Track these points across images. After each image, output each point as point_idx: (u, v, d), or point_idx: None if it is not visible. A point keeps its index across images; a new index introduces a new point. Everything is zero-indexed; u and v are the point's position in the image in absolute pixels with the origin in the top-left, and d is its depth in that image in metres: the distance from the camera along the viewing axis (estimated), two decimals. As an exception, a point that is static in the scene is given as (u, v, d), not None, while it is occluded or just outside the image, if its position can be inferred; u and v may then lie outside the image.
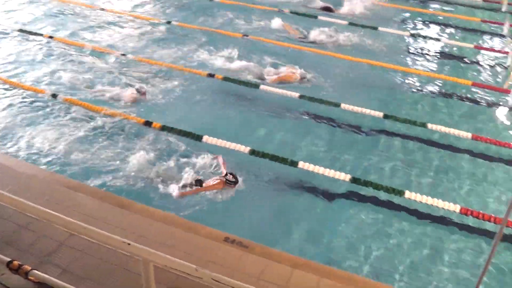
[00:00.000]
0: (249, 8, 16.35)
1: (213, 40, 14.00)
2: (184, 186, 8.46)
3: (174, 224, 7.14)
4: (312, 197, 8.73)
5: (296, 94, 11.46)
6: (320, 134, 10.47)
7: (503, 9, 16.80)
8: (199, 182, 8.47)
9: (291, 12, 16.19)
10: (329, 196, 8.75)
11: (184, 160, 9.21)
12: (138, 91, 11.07)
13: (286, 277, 6.28)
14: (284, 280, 6.25)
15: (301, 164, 9.19)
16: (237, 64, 12.61)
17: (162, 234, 6.86)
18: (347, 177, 8.97)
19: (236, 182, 8.45)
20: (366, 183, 8.87)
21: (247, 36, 14.33)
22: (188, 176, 8.65)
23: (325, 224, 8.24)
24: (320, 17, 15.92)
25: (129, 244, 4.73)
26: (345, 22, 15.59)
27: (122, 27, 14.97)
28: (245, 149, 9.51)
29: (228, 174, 8.50)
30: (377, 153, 10.01)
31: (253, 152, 9.43)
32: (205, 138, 9.76)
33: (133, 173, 8.78)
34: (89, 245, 6.24)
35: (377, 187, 8.81)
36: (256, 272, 6.30)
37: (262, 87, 11.76)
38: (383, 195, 8.74)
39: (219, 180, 8.48)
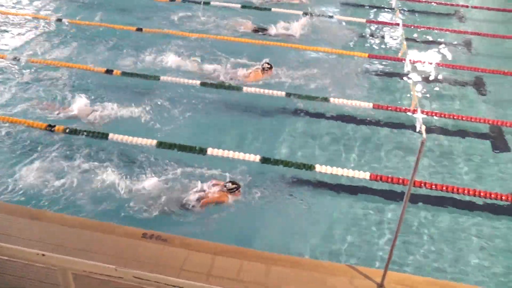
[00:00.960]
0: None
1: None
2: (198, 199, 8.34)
3: (91, 228, 7.09)
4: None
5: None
6: (225, 120, 10.74)
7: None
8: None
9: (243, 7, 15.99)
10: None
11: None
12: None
13: (208, 265, 6.47)
14: (206, 268, 6.44)
15: (209, 151, 9.38)
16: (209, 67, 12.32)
17: (80, 240, 6.80)
18: (257, 157, 9.27)
19: (239, 186, 8.47)
20: (277, 162, 9.23)
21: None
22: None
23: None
24: (273, 9, 15.96)
25: (43, 255, 4.71)
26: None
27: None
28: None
29: (227, 184, 8.44)
30: (285, 132, 10.41)
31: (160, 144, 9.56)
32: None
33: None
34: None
35: (287, 164, 9.21)
36: (177, 264, 6.44)
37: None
38: (292, 171, 9.17)
39: (219, 194, 8.35)
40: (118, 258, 6.41)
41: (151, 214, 8.04)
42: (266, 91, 11.34)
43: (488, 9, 17.17)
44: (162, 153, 9.42)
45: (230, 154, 9.29)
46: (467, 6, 17.19)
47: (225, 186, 8.43)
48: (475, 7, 17.13)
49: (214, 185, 8.52)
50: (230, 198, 8.36)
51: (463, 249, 8.04)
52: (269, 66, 11.96)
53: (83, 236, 6.89)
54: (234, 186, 8.39)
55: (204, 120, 10.66)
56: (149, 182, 8.57)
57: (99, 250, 6.60)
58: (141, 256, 6.54)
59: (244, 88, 11.39)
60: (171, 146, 9.49)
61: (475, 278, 7.56)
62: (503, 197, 8.85)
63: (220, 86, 11.54)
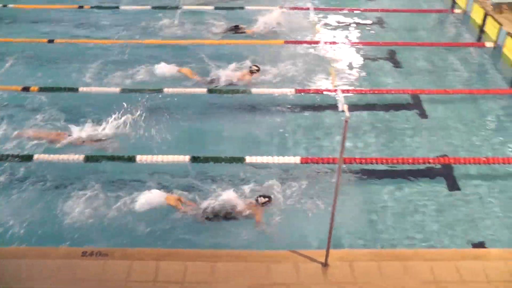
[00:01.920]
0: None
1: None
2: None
3: (26, 255, 6.94)
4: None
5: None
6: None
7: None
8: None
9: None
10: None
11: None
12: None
13: (153, 272, 6.51)
14: (151, 275, 6.47)
15: (138, 158, 9.26)
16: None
17: (17, 270, 6.65)
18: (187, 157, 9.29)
19: (270, 199, 8.37)
20: (207, 159, 9.30)
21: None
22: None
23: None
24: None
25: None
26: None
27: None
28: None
29: (258, 198, 8.36)
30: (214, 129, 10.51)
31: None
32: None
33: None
34: None
35: (217, 160, 9.30)
36: (122, 276, 6.44)
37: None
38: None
39: (253, 209, 8.27)
40: (58, 281, 6.34)
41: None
42: (188, 90, 11.38)
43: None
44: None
45: (161, 158, 9.25)
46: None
47: (257, 201, 8.35)
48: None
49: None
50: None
51: (406, 215, 8.52)
52: (257, 68, 12.05)
53: (20, 265, 6.72)
54: (266, 199, 8.34)
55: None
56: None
57: (37, 277, 6.48)
58: (83, 275, 6.49)
59: (165, 90, 11.34)
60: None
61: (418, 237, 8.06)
62: (430, 161, 9.41)
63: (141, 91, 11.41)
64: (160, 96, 11.21)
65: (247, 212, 8.21)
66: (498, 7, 15.06)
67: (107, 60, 12.73)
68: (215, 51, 13.15)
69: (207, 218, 8.11)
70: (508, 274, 6.73)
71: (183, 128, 10.46)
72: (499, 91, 11.83)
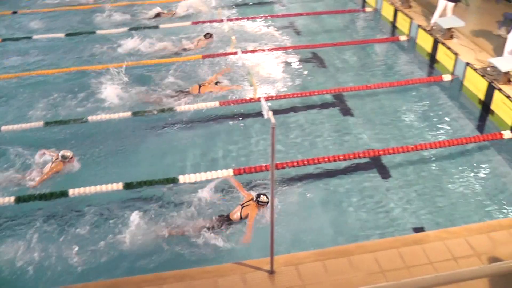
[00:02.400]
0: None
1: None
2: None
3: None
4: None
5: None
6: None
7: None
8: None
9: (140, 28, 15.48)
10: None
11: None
12: (63, 157, 9.45)
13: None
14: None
15: (71, 192, 8.84)
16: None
17: None
18: (120, 185, 9.03)
19: (268, 202, 8.12)
20: (140, 184, 9.06)
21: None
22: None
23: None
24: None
25: None
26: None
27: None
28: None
29: (260, 196, 8.20)
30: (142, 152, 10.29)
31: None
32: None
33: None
34: None
35: (151, 183, 9.07)
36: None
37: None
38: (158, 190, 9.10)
39: (250, 206, 8.21)
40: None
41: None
42: (113, 115, 11.07)
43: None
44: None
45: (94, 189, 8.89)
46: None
47: (257, 197, 8.21)
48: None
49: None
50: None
51: (344, 213, 8.62)
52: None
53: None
54: (266, 201, 8.16)
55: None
56: None
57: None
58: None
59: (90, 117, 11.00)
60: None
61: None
62: (360, 155, 9.57)
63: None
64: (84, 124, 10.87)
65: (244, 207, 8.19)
66: (406, 2, 15.73)
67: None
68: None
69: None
70: (447, 253, 6.91)
71: (112, 154, 10.15)
72: (417, 81, 12.27)
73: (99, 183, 8.96)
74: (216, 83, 11.99)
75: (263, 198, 8.20)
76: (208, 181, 8.98)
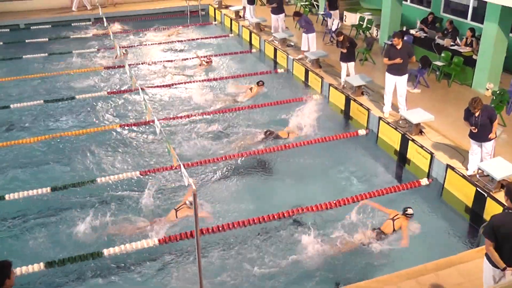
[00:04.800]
0: None
1: None
2: None
3: None
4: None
5: None
6: None
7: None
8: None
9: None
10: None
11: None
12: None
13: None
14: None
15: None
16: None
17: None
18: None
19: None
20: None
21: None
22: None
23: None
24: None
25: None
26: None
27: None
28: None
29: (408, 209, 9.45)
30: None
31: None
32: None
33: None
34: None
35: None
36: None
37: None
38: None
39: (400, 218, 9.43)
40: None
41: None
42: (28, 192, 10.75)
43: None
44: None
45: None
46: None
47: (405, 214, 9.50)
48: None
49: None
50: None
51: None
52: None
53: None
54: (412, 212, 9.50)
55: None
56: None
57: None
58: None
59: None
60: None
61: None
62: (285, 214, 9.75)
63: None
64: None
65: None
66: (316, 63, 16.66)
67: None
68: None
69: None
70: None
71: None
72: (335, 137, 12.85)
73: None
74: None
75: (409, 210, 9.45)
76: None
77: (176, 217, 9.82)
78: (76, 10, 25.55)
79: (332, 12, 19.99)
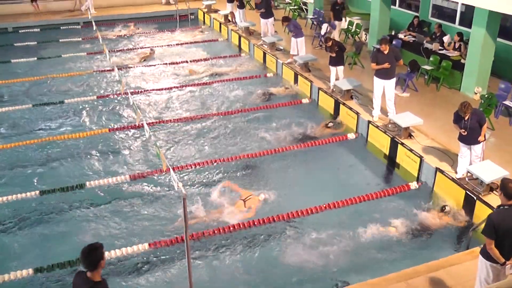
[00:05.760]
0: None
1: None
2: None
3: None
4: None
5: None
6: None
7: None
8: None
9: None
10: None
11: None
12: None
13: None
14: None
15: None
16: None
17: None
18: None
19: None
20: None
21: None
22: None
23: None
24: None
25: None
26: None
27: None
28: None
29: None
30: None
31: None
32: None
33: None
34: None
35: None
36: None
37: None
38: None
39: None
40: None
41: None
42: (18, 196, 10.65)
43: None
44: None
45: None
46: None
47: None
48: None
49: None
50: None
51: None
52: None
53: None
54: None
55: None
56: None
57: None
58: None
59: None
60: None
61: None
62: (274, 219, 9.75)
63: None
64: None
65: None
66: (305, 67, 16.70)
67: None
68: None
69: None
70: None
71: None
72: (324, 141, 12.89)
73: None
74: None
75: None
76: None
77: (245, 206, 10.27)
78: (83, 10, 25.66)
79: (336, 22, 19.76)
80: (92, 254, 5.14)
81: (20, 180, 11.45)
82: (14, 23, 24.54)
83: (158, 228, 9.87)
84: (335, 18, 19.75)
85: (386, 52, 12.47)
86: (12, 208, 10.45)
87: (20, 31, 23.98)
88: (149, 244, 9.15)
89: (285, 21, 17.68)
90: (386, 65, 12.44)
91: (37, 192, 10.77)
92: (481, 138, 9.95)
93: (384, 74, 12.66)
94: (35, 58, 19.99)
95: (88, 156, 12.48)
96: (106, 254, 8.66)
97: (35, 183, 11.26)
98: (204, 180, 11.43)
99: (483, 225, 6.59)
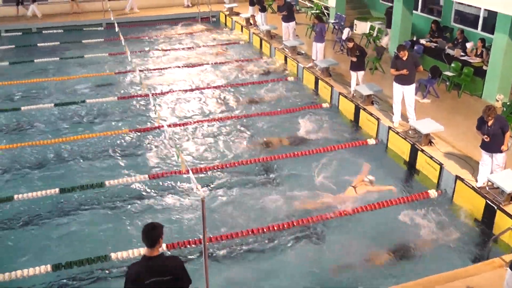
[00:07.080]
0: None
1: None
2: None
3: None
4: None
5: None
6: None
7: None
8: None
9: None
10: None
11: None
12: None
13: None
14: None
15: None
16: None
17: None
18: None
19: None
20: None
21: None
22: None
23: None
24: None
25: None
26: None
27: None
28: None
29: None
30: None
31: None
32: None
33: None
34: None
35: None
36: None
37: None
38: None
39: None
40: None
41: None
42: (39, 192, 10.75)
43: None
44: None
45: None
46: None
47: None
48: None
49: None
50: None
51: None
52: None
53: None
54: None
55: None
56: None
57: None
58: None
59: None
60: None
61: None
62: (294, 223, 9.68)
63: None
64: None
65: None
66: (326, 71, 16.61)
67: None
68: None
69: None
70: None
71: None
72: (345, 146, 12.82)
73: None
74: None
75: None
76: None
77: (356, 193, 10.72)
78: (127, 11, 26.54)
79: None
80: (153, 232, 5.44)
81: (40, 178, 11.61)
82: (36, 24, 24.84)
83: (175, 228, 9.86)
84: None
85: (404, 58, 12.40)
86: (33, 205, 10.56)
87: (43, 32, 24.26)
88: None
89: (318, 20, 17.54)
90: (404, 71, 12.38)
91: (57, 189, 10.84)
92: (504, 147, 9.79)
93: (402, 80, 12.58)
94: (58, 58, 20.18)
95: (108, 156, 12.55)
96: (124, 253, 8.95)
97: (56, 181, 11.35)
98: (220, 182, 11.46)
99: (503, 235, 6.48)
